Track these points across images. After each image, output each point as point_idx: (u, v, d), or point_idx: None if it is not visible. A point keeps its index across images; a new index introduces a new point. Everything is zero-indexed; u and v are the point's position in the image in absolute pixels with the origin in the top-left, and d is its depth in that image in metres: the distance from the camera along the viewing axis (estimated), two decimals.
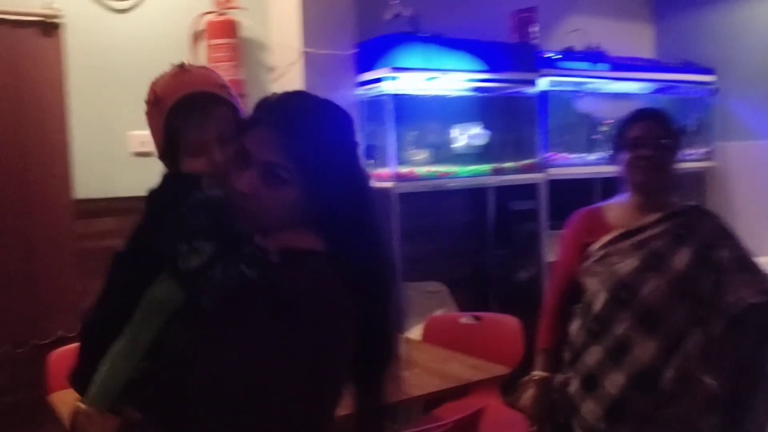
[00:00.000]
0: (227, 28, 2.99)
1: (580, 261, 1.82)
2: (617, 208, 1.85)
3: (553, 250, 3.59)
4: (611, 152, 1.86)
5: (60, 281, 2.72)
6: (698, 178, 4.29)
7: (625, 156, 1.77)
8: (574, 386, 1.80)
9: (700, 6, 4.37)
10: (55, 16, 2.69)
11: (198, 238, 1.12)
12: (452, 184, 3.34)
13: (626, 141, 1.78)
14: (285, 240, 1.12)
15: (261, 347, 1.05)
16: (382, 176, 3.17)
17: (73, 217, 2.75)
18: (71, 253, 2.73)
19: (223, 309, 1.09)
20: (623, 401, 1.68)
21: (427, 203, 3.60)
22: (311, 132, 1.13)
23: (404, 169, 3.16)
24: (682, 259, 1.69)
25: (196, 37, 3.04)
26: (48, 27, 2.69)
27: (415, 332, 3.17)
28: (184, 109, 1.22)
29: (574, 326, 1.83)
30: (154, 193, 1.24)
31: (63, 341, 2.68)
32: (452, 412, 2.49)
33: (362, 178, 1.20)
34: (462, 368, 2.37)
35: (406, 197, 3.19)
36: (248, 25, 3.10)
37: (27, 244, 2.66)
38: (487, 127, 3.45)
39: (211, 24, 3.00)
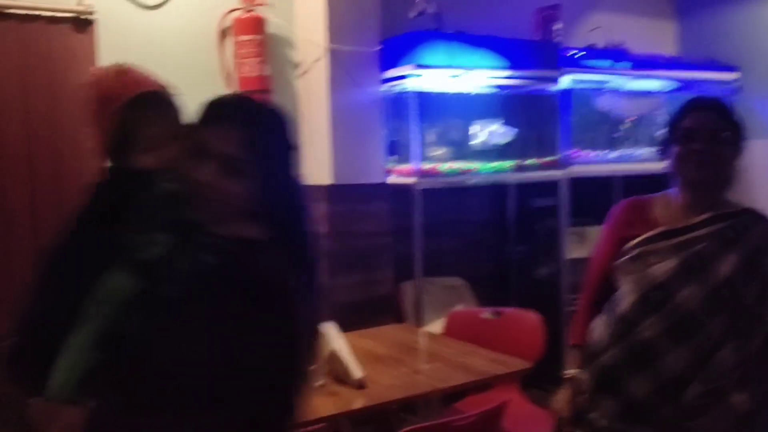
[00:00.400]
0: (254, 25, 3.03)
1: (616, 256, 1.70)
2: (664, 203, 1.71)
3: (573, 247, 3.62)
4: (662, 145, 1.71)
5: None
6: None
7: (676, 149, 1.63)
8: (587, 384, 1.72)
9: (723, 3, 4.35)
10: (87, 13, 2.75)
11: (157, 229, 1.19)
12: (474, 180, 3.36)
13: (678, 133, 1.63)
14: (237, 229, 1.20)
15: (227, 330, 1.13)
16: (404, 172, 3.21)
17: None
18: None
19: (187, 296, 1.15)
20: (647, 406, 1.59)
21: (448, 199, 3.63)
22: (268, 130, 1.26)
23: (426, 166, 3.19)
24: (727, 265, 1.55)
25: (224, 33, 3.09)
26: (81, 23, 2.74)
27: (434, 326, 3.21)
28: (139, 107, 1.30)
29: (598, 324, 1.73)
30: (101, 187, 1.30)
31: None
32: (473, 405, 2.53)
33: (298, 173, 1.31)
34: (484, 362, 2.40)
35: (427, 193, 3.22)
36: (274, 21, 3.14)
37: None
38: (509, 124, 3.47)
39: (238, 20, 3.05)
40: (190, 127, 1.25)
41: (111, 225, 1.22)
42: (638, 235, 1.65)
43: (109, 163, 1.34)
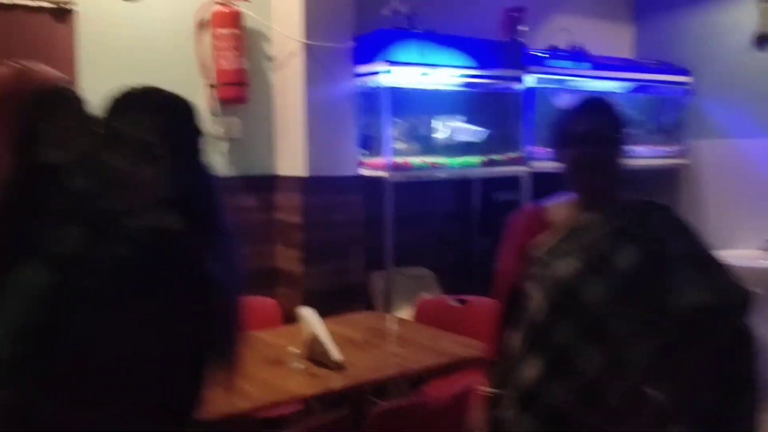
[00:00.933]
0: (232, 19, 3.11)
1: (521, 265, 1.65)
2: (560, 206, 1.68)
3: None
4: (555, 148, 1.68)
5: None
6: (672, 175, 4.53)
7: (570, 153, 1.61)
8: (509, 404, 1.61)
9: (679, 8, 4.58)
10: (68, 3, 2.79)
11: (71, 222, 1.18)
12: (442, 174, 3.50)
13: (571, 137, 1.61)
14: (152, 219, 1.22)
15: (145, 320, 1.18)
16: (376, 165, 3.33)
17: None
18: None
19: (103, 288, 1.16)
20: (566, 415, 1.51)
21: (417, 192, 3.77)
22: (178, 118, 1.34)
23: (398, 159, 3.32)
24: (627, 258, 1.51)
25: (202, 25, 3.16)
26: (61, 13, 2.78)
27: (402, 314, 3.35)
28: (45, 102, 1.33)
29: (514, 337, 1.64)
30: (12, 184, 1.28)
31: None
32: (439, 389, 2.67)
33: (207, 162, 1.37)
34: (453, 346, 2.53)
35: (398, 186, 3.35)
36: (251, 16, 3.22)
37: None
38: (476, 121, 3.62)
39: (216, 14, 3.11)
40: (101, 119, 1.30)
41: (24, 221, 1.21)
42: (539, 242, 1.63)
43: (19, 160, 1.31)
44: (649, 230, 1.54)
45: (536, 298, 1.58)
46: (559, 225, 1.63)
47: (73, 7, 2.81)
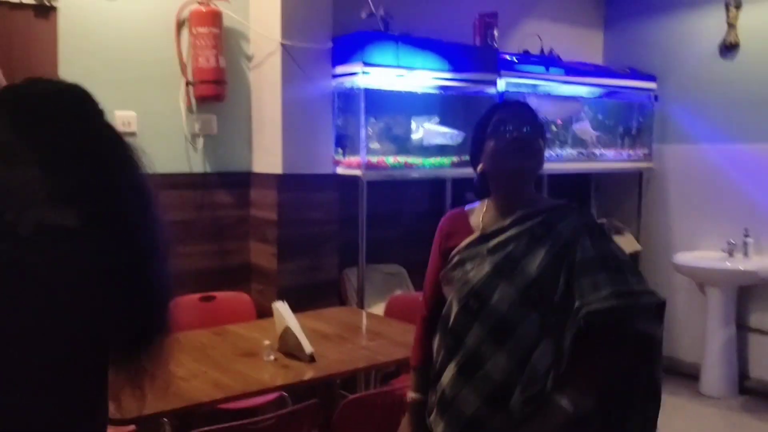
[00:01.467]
0: (211, 18, 3.16)
1: (441, 268, 1.67)
2: (480, 210, 1.68)
3: None
4: (472, 155, 1.72)
5: None
6: (637, 178, 4.68)
7: (491, 143, 1.61)
8: (432, 409, 1.64)
9: (646, 16, 4.72)
10: (50, 0, 2.83)
11: None
12: (415, 174, 3.59)
13: (491, 128, 1.62)
14: (40, 217, 1.13)
15: (29, 320, 1.11)
16: (351, 164, 3.41)
17: None
18: None
19: None
20: (477, 421, 1.51)
21: (391, 191, 3.86)
22: (57, 113, 1.17)
23: (373, 159, 3.40)
24: (535, 263, 1.51)
25: (181, 24, 3.21)
26: (43, 10, 2.82)
27: (375, 310, 3.44)
28: None
29: (435, 341, 1.67)
30: None
31: None
32: (408, 382, 2.75)
33: (112, 157, 1.21)
34: None
35: (372, 185, 3.43)
36: (230, 15, 3.28)
37: None
38: (450, 122, 3.72)
39: (195, 12, 3.17)
40: None
41: None
42: (457, 245, 1.64)
43: None
44: (561, 234, 1.53)
45: (452, 302, 1.60)
46: (476, 227, 1.64)
47: (55, 4, 2.85)
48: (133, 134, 3.13)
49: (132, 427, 2.12)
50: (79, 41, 2.96)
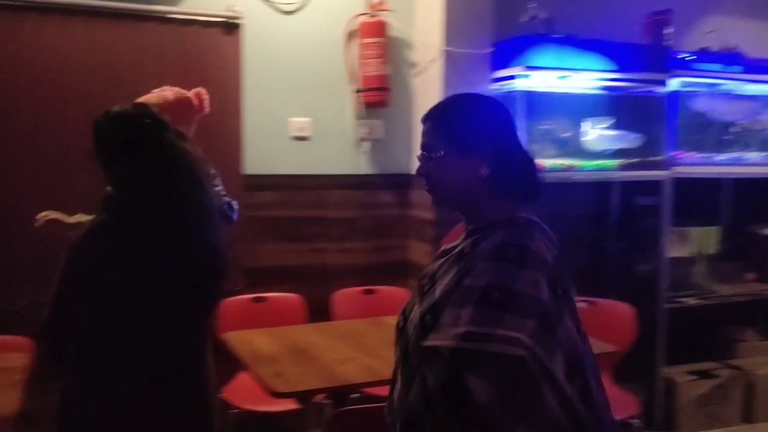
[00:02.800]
0: (378, 28, 3.35)
1: None
2: (460, 227, 1.45)
3: (673, 246, 3.72)
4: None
5: (230, 243, 3.19)
6: None
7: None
8: None
9: None
10: (235, 17, 3.16)
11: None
12: (578, 177, 3.53)
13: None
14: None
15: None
16: None
17: (243, 189, 3.22)
18: (240, 221, 3.19)
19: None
20: None
21: (550, 194, 3.81)
22: (103, 132, 1.72)
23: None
24: (442, 284, 1.30)
25: (350, 36, 3.43)
26: (229, 27, 3.16)
27: None
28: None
29: None
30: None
31: (230, 293, 3.18)
32: None
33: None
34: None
35: None
36: (396, 25, 3.45)
37: None
38: (615, 124, 3.61)
39: (363, 24, 3.38)
40: None
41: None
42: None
43: None
44: (476, 255, 1.27)
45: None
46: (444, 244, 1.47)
47: (240, 21, 3.17)
48: (307, 139, 3.40)
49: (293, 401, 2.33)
50: (260, 54, 3.27)
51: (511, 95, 3.41)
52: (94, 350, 1.62)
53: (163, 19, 3.04)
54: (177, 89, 2.09)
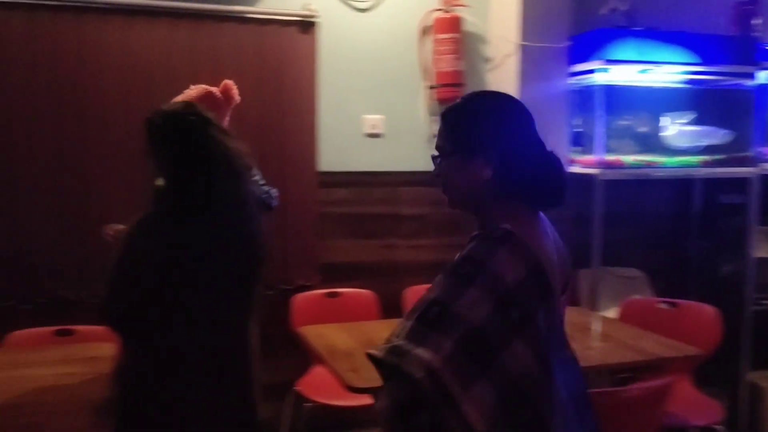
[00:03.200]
0: (452, 24, 3.33)
1: None
2: None
3: (761, 246, 3.55)
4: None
5: (304, 239, 3.24)
6: None
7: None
8: None
9: None
10: (312, 16, 3.20)
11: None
12: (659, 174, 3.42)
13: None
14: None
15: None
16: (587, 163, 3.35)
17: (317, 186, 3.26)
18: (314, 216, 3.24)
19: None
20: None
21: (630, 191, 3.71)
22: (154, 131, 1.87)
23: (610, 157, 3.31)
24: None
25: (424, 32, 3.42)
26: (306, 25, 3.20)
27: (609, 314, 3.33)
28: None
29: None
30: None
31: (303, 288, 3.23)
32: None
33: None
34: (656, 345, 2.51)
35: (609, 184, 3.34)
36: (470, 20, 3.42)
37: (282, 206, 3.20)
38: (699, 118, 3.48)
39: (438, 20, 3.36)
40: None
41: None
42: None
43: None
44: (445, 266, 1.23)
45: None
46: None
47: (316, 19, 3.21)
48: (380, 136, 3.41)
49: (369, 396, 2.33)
50: (335, 52, 3.30)
51: (589, 90, 3.33)
52: (145, 335, 1.76)
53: (241, 19, 3.10)
54: (201, 86, 2.21)
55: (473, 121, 1.28)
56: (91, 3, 2.90)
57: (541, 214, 1.31)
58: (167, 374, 1.72)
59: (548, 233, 1.28)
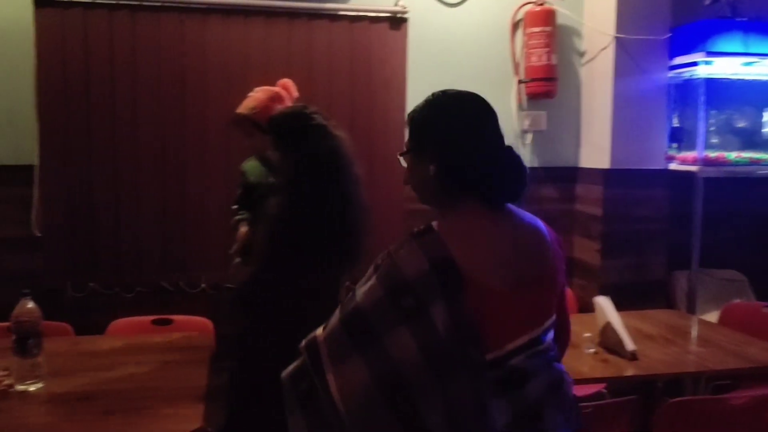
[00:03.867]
0: (545, 17, 3.26)
1: None
2: None
3: None
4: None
5: (391, 237, 3.23)
6: None
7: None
8: None
9: None
10: (402, 12, 3.20)
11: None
12: (762, 171, 3.24)
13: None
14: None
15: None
16: (686, 159, 3.22)
17: (406, 183, 3.25)
18: (401, 214, 3.24)
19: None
20: None
21: (732, 189, 3.53)
22: (279, 130, 2.17)
23: (712, 154, 3.17)
24: None
25: (515, 26, 3.36)
26: (396, 21, 3.20)
27: (708, 317, 3.19)
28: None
29: None
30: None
31: None
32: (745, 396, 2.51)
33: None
34: (761, 352, 2.38)
35: (709, 182, 3.20)
36: (564, 13, 3.33)
37: (369, 203, 3.23)
38: None
39: (529, 13, 3.29)
40: None
41: None
42: None
43: None
44: None
45: None
46: None
47: (406, 16, 3.21)
48: None
49: None
50: (424, 47, 3.29)
51: (690, 83, 3.20)
52: (273, 314, 2.00)
53: (333, 17, 3.13)
54: (265, 87, 2.49)
55: (425, 120, 1.33)
56: (191, 3, 3.00)
57: (512, 208, 1.31)
58: (287, 352, 1.78)
59: (508, 228, 1.28)
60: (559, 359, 1.32)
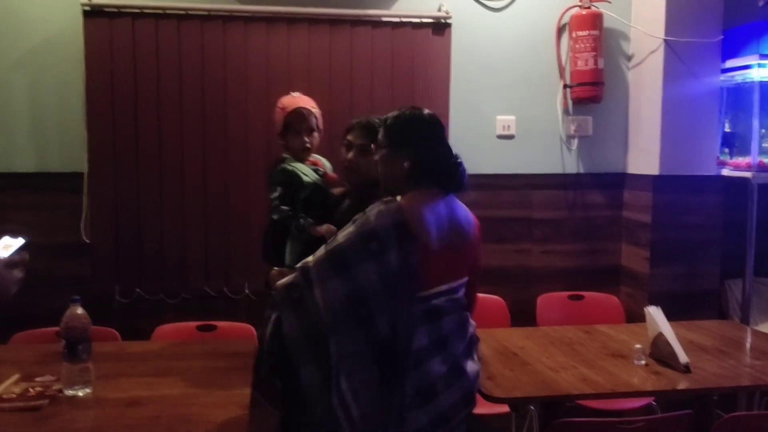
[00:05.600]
0: (592, 21, 3.19)
1: None
2: None
3: None
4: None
5: None
6: None
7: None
8: None
9: None
10: (446, 18, 3.17)
11: None
12: None
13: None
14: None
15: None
16: (739, 165, 3.12)
17: None
18: None
19: None
20: None
21: None
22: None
23: (766, 159, 3.06)
24: None
25: (561, 29, 3.31)
26: (439, 27, 3.17)
27: (763, 328, 3.08)
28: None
29: None
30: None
31: None
32: None
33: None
34: None
35: (764, 188, 3.09)
36: (611, 16, 3.27)
37: None
38: None
39: (576, 17, 3.23)
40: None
41: None
42: None
43: None
44: None
45: None
46: None
47: (449, 21, 3.18)
48: (511, 137, 3.33)
49: (505, 405, 2.28)
50: (468, 52, 3.26)
51: (743, 86, 3.10)
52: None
53: (375, 23, 3.12)
54: (299, 93, 2.46)
55: (402, 127, 1.80)
56: (234, 12, 3.02)
57: (454, 198, 1.79)
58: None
59: (448, 209, 1.75)
60: (469, 310, 1.85)
